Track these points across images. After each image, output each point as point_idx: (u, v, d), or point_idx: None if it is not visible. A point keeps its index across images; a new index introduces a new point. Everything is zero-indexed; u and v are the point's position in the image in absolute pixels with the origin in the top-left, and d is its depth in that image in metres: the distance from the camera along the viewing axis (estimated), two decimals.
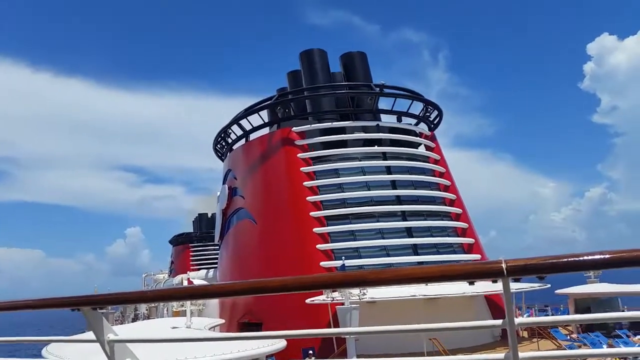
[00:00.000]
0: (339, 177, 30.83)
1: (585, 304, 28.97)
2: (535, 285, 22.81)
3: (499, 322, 2.22)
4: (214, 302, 33.91)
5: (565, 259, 1.93)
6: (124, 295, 2.69)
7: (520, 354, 2.09)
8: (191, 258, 69.84)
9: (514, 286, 18.41)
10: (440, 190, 32.37)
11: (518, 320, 2.22)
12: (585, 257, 1.91)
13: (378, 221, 29.45)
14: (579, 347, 24.09)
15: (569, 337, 25.79)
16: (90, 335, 2.99)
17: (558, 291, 31.34)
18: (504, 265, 1.93)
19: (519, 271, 1.95)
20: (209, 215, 73.19)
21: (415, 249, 28.80)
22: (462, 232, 31.07)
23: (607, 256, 1.89)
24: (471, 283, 21.71)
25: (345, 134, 32.63)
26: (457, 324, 2.34)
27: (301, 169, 31.02)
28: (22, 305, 3.10)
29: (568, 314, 31.75)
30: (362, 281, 2.13)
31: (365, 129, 33.50)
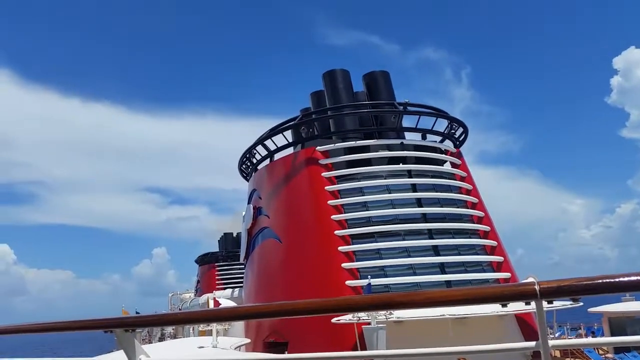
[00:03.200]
0: (363, 196, 30.69)
1: (620, 322, 28.07)
2: (568, 304, 22.19)
3: (532, 344, 2.18)
4: (240, 322, 33.85)
5: (600, 280, 1.89)
6: (156, 317, 2.73)
7: None
8: (217, 277, 70.08)
9: (545, 304, 17.97)
10: (468, 208, 31.95)
11: (552, 342, 2.18)
12: (621, 279, 1.86)
13: (404, 239, 29.16)
14: None
15: (604, 357, 24.98)
16: (121, 355, 3.03)
17: (591, 309, 30.48)
18: (537, 287, 1.89)
19: (552, 293, 1.91)
20: (234, 234, 73.60)
21: (442, 268, 28.38)
22: (491, 250, 30.52)
23: None
24: (504, 305, 21.14)
25: (369, 152, 32.58)
26: (490, 346, 2.30)
27: (325, 187, 31.02)
28: (56, 327, 3.16)
29: (602, 333, 30.83)
30: (393, 304, 2.12)
31: (389, 147, 33.41)
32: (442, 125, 35.59)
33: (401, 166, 31.94)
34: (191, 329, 36.64)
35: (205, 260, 74.98)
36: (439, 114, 35.63)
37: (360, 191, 30.97)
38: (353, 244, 29.01)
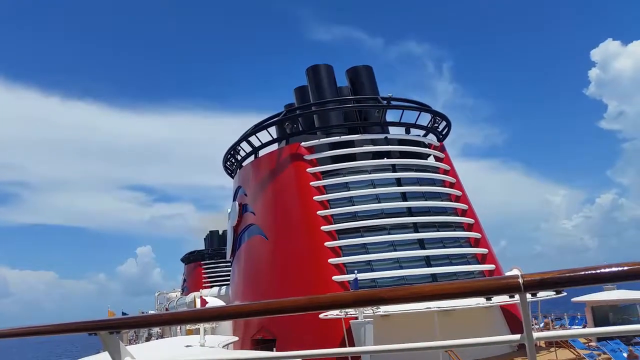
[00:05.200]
0: (349, 191, 30.77)
1: (603, 311, 28.52)
2: (552, 294, 22.53)
3: (517, 337, 2.21)
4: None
5: (583, 272, 1.91)
6: (141, 318, 2.71)
7: None
8: (203, 275, 69.89)
9: (529, 296, 18.20)
10: (452, 201, 32.21)
11: (536, 334, 2.21)
12: (602, 270, 1.89)
13: (389, 233, 29.32)
14: (599, 355, 23.70)
15: (587, 346, 25.37)
16: (106, 356, 3.00)
17: (575, 299, 30.93)
18: (520, 281, 1.91)
19: (535, 286, 1.94)
20: (220, 232, 73.37)
21: (428, 261, 28.60)
22: (475, 243, 30.82)
23: (625, 268, 1.87)
24: (488, 299, 21.43)
25: (353, 147, 32.65)
26: (476, 339, 2.32)
27: (311, 183, 31.03)
28: (39, 330, 3.11)
29: (585, 322, 31.33)
30: (379, 300, 2.12)
31: (373, 142, 33.51)
32: (425, 119, 35.84)
33: (385, 160, 32.05)
34: (178, 328, 36.45)
35: (191, 258, 74.70)
36: (422, 108, 35.81)
37: (345, 186, 31.03)
38: (339, 239, 29.09)
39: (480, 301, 22.78)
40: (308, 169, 31.64)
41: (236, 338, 27.58)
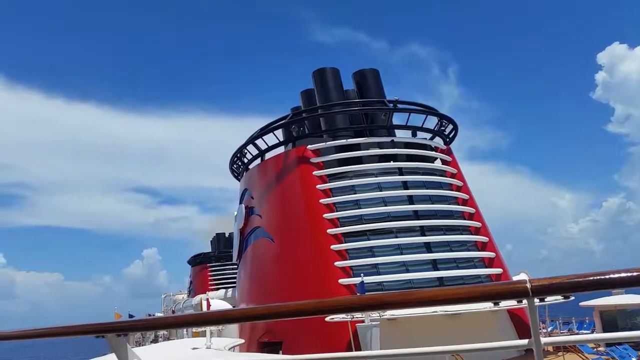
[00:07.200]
0: (355, 194, 30.74)
1: (611, 316, 28.33)
2: (559, 299, 22.38)
3: (524, 342, 2.20)
4: None
5: (591, 278, 1.90)
6: (147, 321, 2.72)
7: None
8: (210, 278, 69.90)
9: (537, 300, 18.09)
10: (459, 204, 32.08)
11: (544, 339, 2.19)
12: (611, 276, 1.88)
13: (396, 237, 29.24)
14: None
15: (595, 351, 25.20)
16: (113, 359, 3.01)
17: (583, 303, 30.76)
18: (528, 286, 1.90)
19: (544, 291, 1.93)
20: (227, 234, 73.48)
21: (434, 264, 28.49)
22: (482, 246, 30.67)
23: (635, 274, 1.85)
24: (496, 304, 21.35)
25: (360, 150, 32.63)
26: (483, 344, 2.31)
27: (317, 186, 31.03)
28: (47, 332, 3.13)
29: (593, 326, 31.11)
30: (384, 304, 2.12)
31: (380, 145, 33.48)
32: (432, 122, 35.76)
33: (392, 164, 31.99)
34: (185, 330, 36.50)
35: (197, 261, 74.81)
36: (428, 111, 35.75)
37: (351, 189, 31.00)
38: (346, 242, 29.05)
39: (487, 305, 22.66)
40: (314, 172, 31.65)
41: (242, 340, 27.58)
